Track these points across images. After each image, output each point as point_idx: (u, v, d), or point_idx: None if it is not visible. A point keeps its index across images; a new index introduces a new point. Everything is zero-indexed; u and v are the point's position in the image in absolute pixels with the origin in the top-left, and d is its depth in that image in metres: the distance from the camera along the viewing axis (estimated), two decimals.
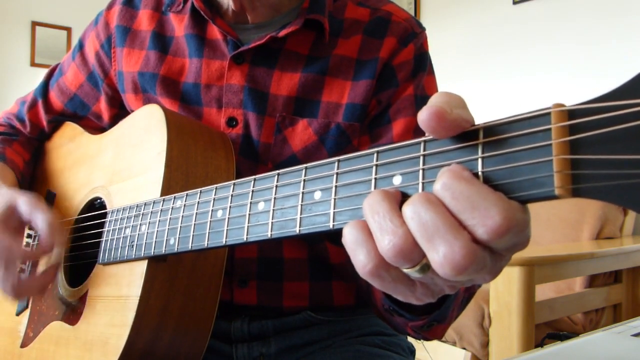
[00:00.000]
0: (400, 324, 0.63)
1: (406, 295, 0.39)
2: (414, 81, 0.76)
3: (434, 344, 1.80)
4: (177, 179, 0.64)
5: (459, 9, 3.34)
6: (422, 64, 0.78)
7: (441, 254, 0.32)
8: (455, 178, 0.33)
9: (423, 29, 0.81)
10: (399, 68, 0.76)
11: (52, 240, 0.69)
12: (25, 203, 0.72)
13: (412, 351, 0.87)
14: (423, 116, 0.33)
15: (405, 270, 0.35)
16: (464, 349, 1.95)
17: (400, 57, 0.76)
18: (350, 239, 0.36)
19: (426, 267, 0.34)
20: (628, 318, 1.79)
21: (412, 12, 3.52)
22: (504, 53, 3.06)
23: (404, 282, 0.37)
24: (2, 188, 0.76)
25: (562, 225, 2.38)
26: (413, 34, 0.78)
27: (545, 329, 1.89)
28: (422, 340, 0.88)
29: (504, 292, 1.72)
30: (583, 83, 2.71)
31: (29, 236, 0.81)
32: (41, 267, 0.79)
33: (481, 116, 0.35)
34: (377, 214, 0.35)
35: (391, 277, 0.36)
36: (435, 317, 0.57)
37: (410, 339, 0.89)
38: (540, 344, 1.51)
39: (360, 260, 0.36)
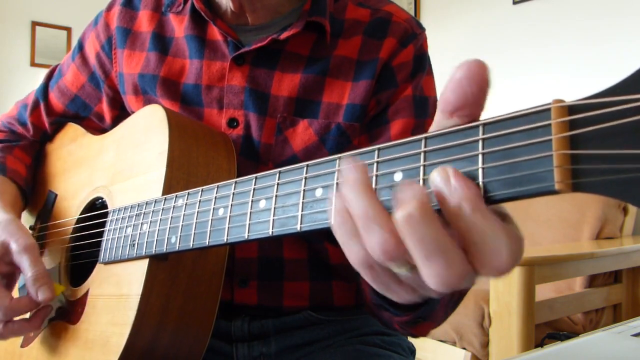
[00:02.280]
0: (388, 320, 0.63)
1: (399, 295, 0.39)
2: (413, 82, 0.76)
3: (434, 344, 1.80)
4: (178, 179, 0.65)
5: (459, 9, 3.35)
6: (421, 65, 0.78)
7: (437, 272, 0.33)
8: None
9: (423, 30, 0.81)
10: (398, 69, 0.76)
11: (36, 297, 0.68)
12: (17, 248, 0.70)
13: (412, 351, 0.87)
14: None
15: (394, 270, 0.35)
16: (464, 349, 1.95)
17: (399, 57, 0.76)
18: (340, 233, 0.37)
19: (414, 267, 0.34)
20: (628, 318, 1.79)
21: (412, 12, 3.52)
22: (504, 53, 3.06)
23: (395, 277, 0.37)
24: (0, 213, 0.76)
25: (562, 225, 2.38)
26: (413, 34, 0.78)
27: (545, 329, 1.89)
28: (409, 337, 0.88)
29: (504, 292, 1.72)
30: (583, 83, 2.71)
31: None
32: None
33: (481, 116, 0.35)
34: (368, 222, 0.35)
35: (381, 268, 0.36)
36: (420, 314, 0.58)
37: (410, 339, 0.89)
38: (540, 344, 1.51)
39: (354, 252, 0.36)
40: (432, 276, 0.33)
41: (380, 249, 0.34)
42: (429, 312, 0.58)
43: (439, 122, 0.36)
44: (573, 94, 0.30)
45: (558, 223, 2.39)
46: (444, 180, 0.33)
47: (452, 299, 0.64)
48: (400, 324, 0.61)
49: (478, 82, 0.33)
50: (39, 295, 0.68)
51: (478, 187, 0.33)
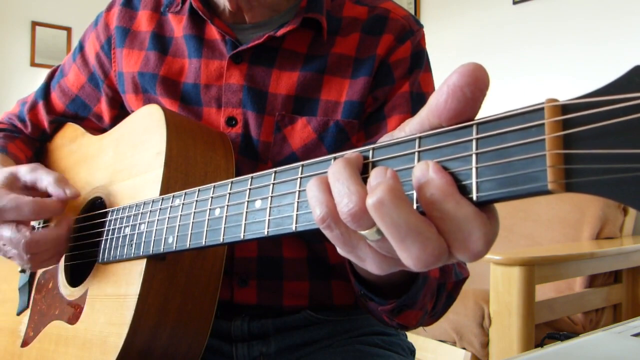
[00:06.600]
0: (375, 310, 0.63)
1: (370, 262, 0.38)
2: (410, 78, 0.76)
3: (434, 344, 1.79)
4: (176, 178, 0.65)
5: (459, 8, 3.34)
6: (418, 62, 0.78)
7: (414, 255, 0.33)
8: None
9: (421, 26, 0.81)
10: (395, 65, 0.76)
11: (62, 190, 0.69)
12: (26, 170, 0.73)
13: (412, 351, 0.87)
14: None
15: (362, 233, 0.36)
16: (464, 349, 1.95)
17: (397, 54, 0.76)
18: (310, 195, 0.38)
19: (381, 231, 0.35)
20: (628, 318, 1.79)
21: (411, 12, 3.51)
22: (504, 53, 3.06)
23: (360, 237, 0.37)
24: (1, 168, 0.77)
25: (562, 225, 2.38)
26: (410, 31, 0.78)
27: (545, 329, 1.89)
28: (398, 330, 0.88)
29: (504, 292, 1.72)
30: (583, 83, 2.71)
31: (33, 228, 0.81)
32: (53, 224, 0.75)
33: (481, 115, 0.35)
34: (338, 180, 0.36)
35: (345, 227, 0.36)
36: (404, 301, 0.58)
37: (410, 339, 0.89)
38: (540, 344, 1.51)
39: (317, 214, 0.37)
40: (409, 258, 0.33)
41: (349, 212, 0.34)
42: (412, 299, 0.58)
43: (431, 122, 0.36)
44: (572, 94, 0.30)
45: (558, 223, 2.39)
46: (422, 172, 0.34)
47: (440, 284, 0.64)
48: (387, 314, 0.61)
49: (481, 88, 0.33)
50: (67, 192, 0.69)
51: (451, 176, 0.33)
